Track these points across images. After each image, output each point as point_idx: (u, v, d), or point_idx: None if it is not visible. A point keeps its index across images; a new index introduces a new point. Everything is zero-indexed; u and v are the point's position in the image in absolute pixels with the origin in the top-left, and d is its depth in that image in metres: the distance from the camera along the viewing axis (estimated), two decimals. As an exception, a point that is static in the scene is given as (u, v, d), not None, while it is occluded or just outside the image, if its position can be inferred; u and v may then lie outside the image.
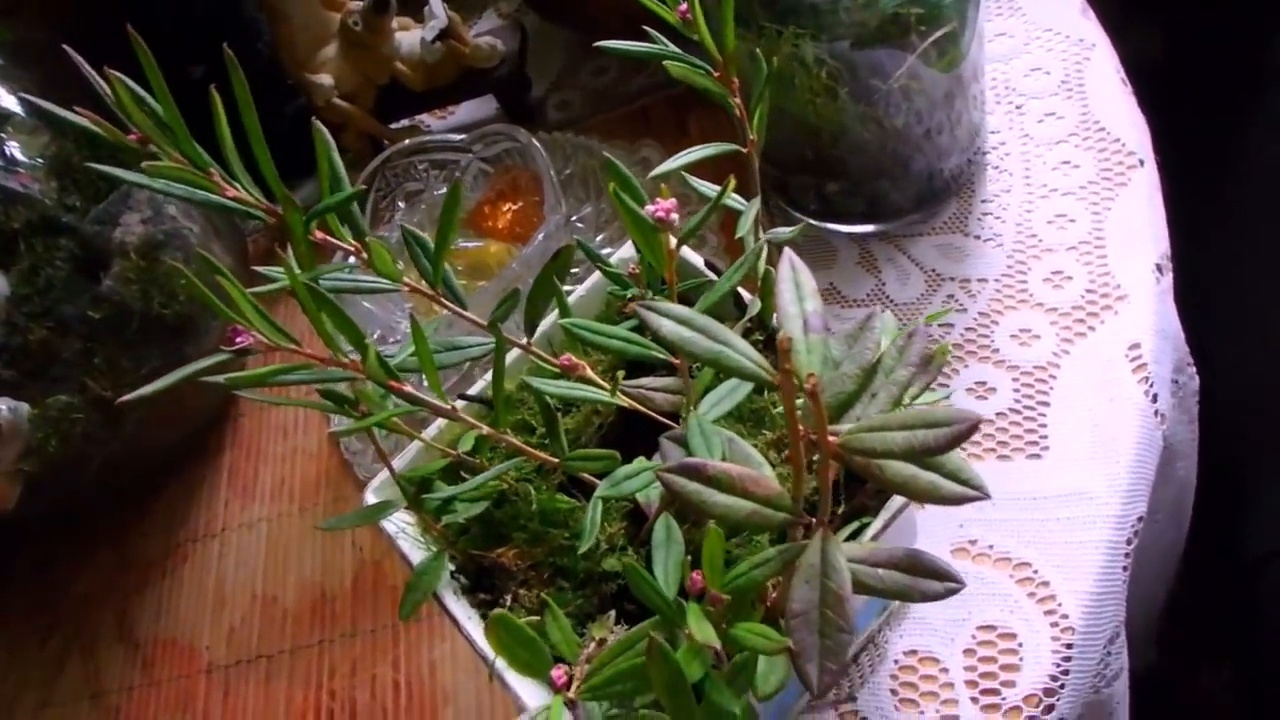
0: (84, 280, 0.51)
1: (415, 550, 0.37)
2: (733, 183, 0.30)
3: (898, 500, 0.32)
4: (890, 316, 0.30)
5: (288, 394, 0.59)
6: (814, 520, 0.27)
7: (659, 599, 0.27)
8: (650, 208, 0.26)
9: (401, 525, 0.38)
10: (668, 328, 0.25)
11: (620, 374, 0.32)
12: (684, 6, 0.30)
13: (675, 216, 0.26)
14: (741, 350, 0.24)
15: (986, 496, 0.23)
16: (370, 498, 0.38)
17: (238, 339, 0.25)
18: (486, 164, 0.58)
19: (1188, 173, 0.55)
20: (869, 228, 0.53)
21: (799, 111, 0.47)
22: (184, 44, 0.61)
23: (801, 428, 0.25)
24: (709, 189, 0.32)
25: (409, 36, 0.63)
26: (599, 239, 0.59)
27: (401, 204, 0.58)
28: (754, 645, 0.25)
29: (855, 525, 0.32)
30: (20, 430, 0.48)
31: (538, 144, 0.54)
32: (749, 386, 0.33)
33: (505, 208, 0.55)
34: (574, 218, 0.61)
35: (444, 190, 0.58)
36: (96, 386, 0.50)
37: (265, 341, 0.26)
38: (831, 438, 0.23)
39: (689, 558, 0.29)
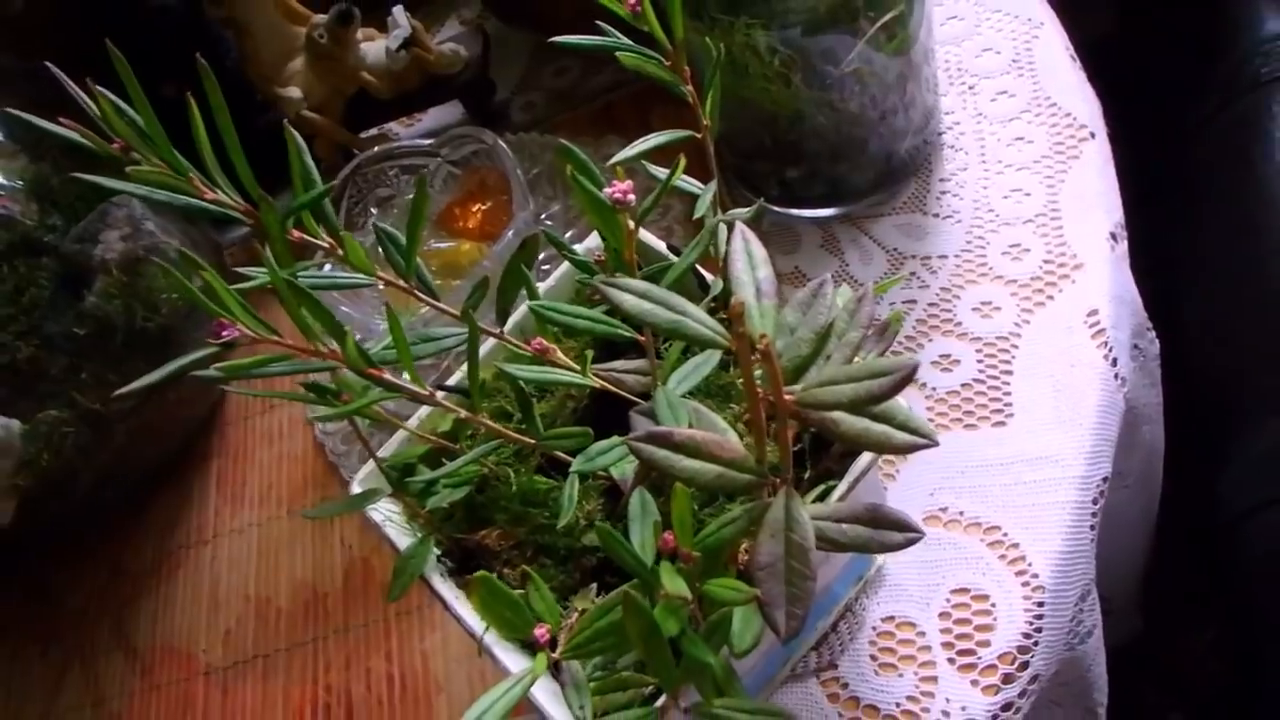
0: (68, 298, 0.52)
1: (401, 536, 0.38)
2: (683, 161, 0.32)
3: (861, 464, 0.33)
4: (845, 287, 0.32)
5: (274, 389, 0.60)
6: (778, 480, 0.29)
7: (633, 559, 0.28)
8: (608, 190, 0.28)
9: (388, 513, 0.39)
10: (629, 301, 0.26)
11: (589, 354, 0.34)
12: (632, 0, 0.31)
13: (632, 198, 0.27)
14: (698, 318, 0.26)
15: (934, 443, 0.24)
16: (356, 488, 0.39)
17: (223, 332, 0.26)
18: (455, 166, 0.59)
19: (1141, 144, 0.56)
20: (830, 211, 0.54)
21: (755, 99, 0.48)
22: (153, 63, 0.62)
23: (760, 391, 0.26)
24: (661, 172, 0.33)
25: (374, 46, 0.64)
26: (568, 235, 0.61)
27: (374, 209, 0.59)
28: (725, 598, 0.26)
29: (821, 489, 0.34)
30: (13, 446, 0.49)
31: (503, 145, 0.55)
32: (714, 362, 0.34)
33: (475, 208, 0.56)
34: (543, 215, 0.62)
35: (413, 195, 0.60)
36: (85, 401, 0.51)
37: (249, 334, 0.27)
38: (788, 397, 0.25)
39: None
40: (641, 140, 0.33)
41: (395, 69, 0.63)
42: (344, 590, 0.56)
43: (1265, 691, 0.61)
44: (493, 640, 0.36)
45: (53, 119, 0.58)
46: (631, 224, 0.28)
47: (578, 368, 0.34)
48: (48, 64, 0.27)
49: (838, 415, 0.25)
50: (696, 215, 0.33)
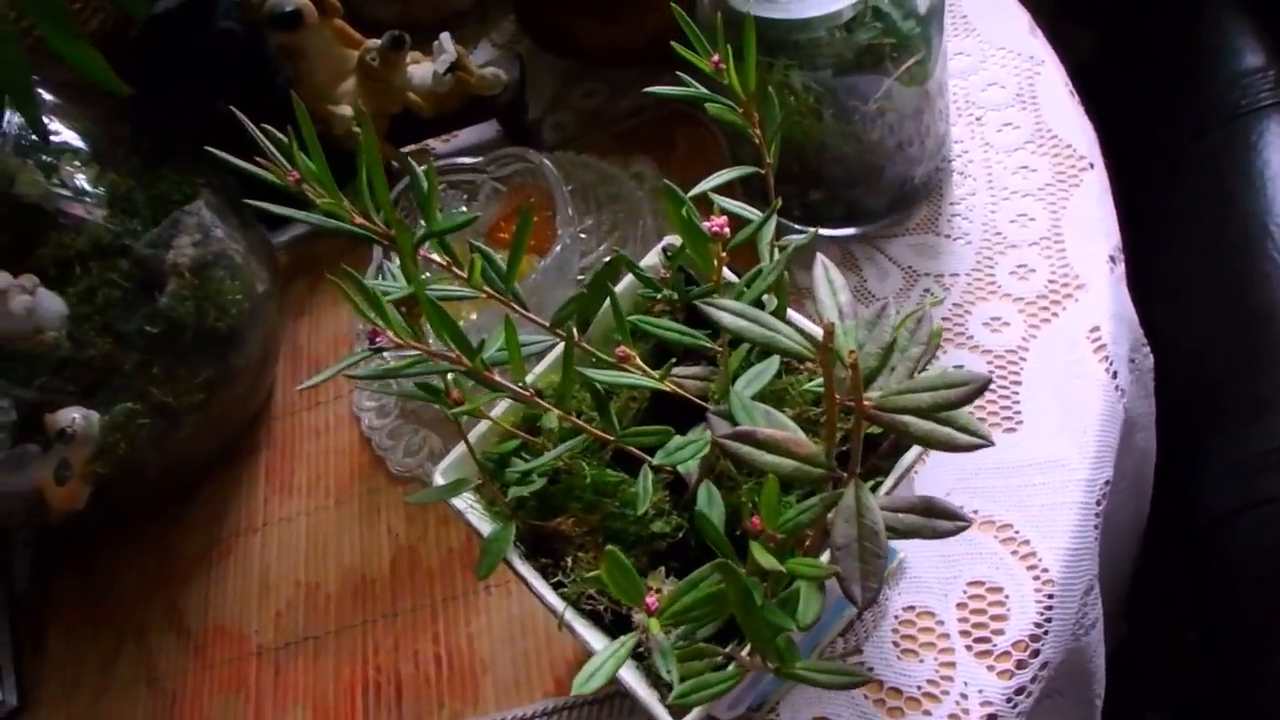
0: (142, 298, 0.55)
1: (483, 523, 0.42)
2: (779, 203, 0.36)
3: (905, 462, 0.38)
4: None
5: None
6: (843, 474, 0.33)
7: (722, 540, 0.32)
8: (706, 223, 0.32)
9: (469, 502, 0.43)
10: (728, 319, 0.31)
11: (673, 361, 0.38)
12: (716, 57, 0.36)
13: (728, 231, 0.32)
14: (789, 335, 0.30)
15: (992, 443, 0.29)
16: (440, 478, 0.43)
17: (377, 338, 0.30)
18: (500, 183, 0.63)
19: (1124, 169, 0.61)
20: (849, 230, 0.59)
21: (787, 131, 0.53)
22: (214, 80, 0.65)
23: (837, 396, 0.31)
24: (738, 207, 0.38)
25: (420, 69, 0.68)
26: (601, 248, 0.65)
27: (424, 222, 0.63)
28: (808, 573, 0.31)
29: (870, 484, 0.38)
30: (91, 435, 0.52)
31: (549, 164, 0.59)
32: (774, 369, 0.39)
33: (522, 222, 0.60)
34: (578, 229, 0.66)
35: (462, 208, 0.64)
36: (157, 394, 0.54)
37: (396, 340, 0.31)
38: (866, 402, 0.29)
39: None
40: (714, 176, 0.38)
41: (439, 90, 0.66)
42: (391, 576, 0.59)
43: (1243, 691, 0.65)
44: (572, 616, 0.40)
45: (130, 131, 0.61)
46: (723, 254, 0.33)
47: (653, 372, 0.38)
48: (232, 108, 0.30)
49: (907, 418, 0.30)
50: (765, 240, 0.37)
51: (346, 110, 0.64)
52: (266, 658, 0.59)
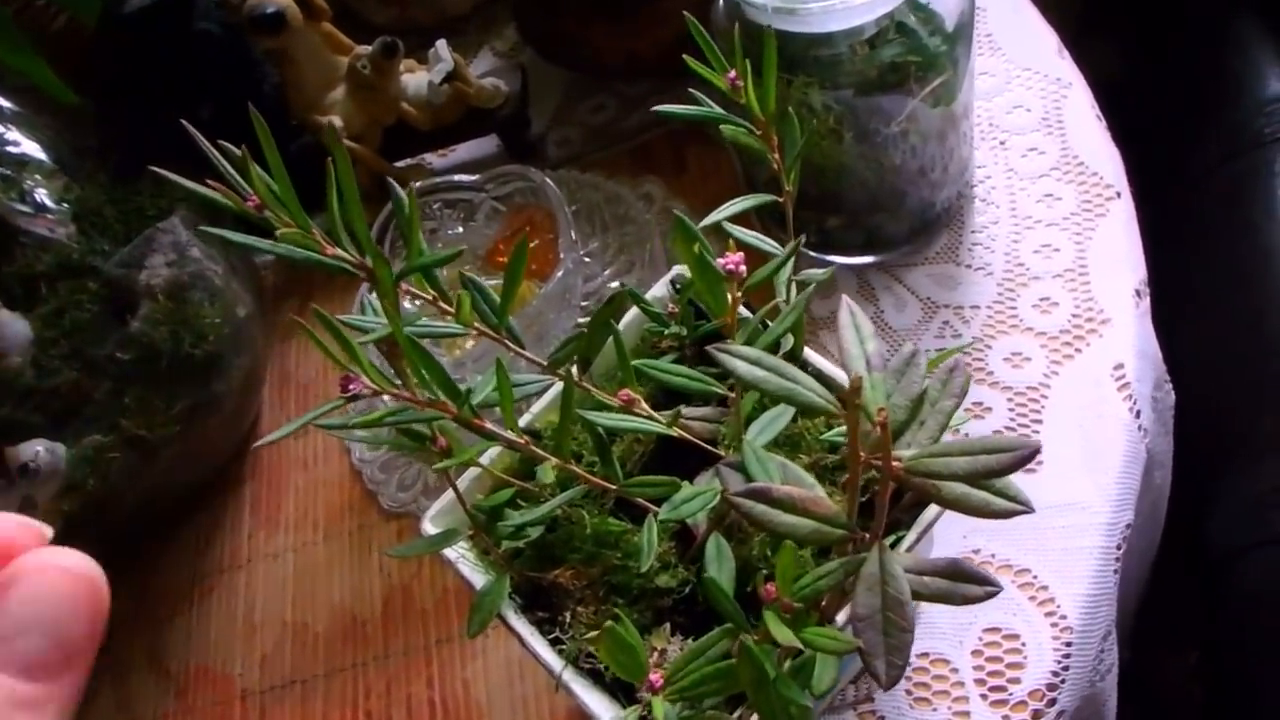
0: (112, 322, 0.52)
1: (475, 574, 0.39)
2: (801, 240, 0.33)
3: (929, 515, 0.35)
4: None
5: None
6: (864, 534, 0.31)
7: (732, 608, 0.30)
8: (721, 260, 0.29)
9: (460, 551, 0.40)
10: (742, 368, 0.28)
11: (681, 408, 0.35)
12: (733, 74, 0.33)
13: (744, 269, 0.29)
14: (810, 387, 0.28)
15: (1032, 510, 0.26)
16: (429, 527, 0.40)
17: (350, 386, 0.28)
18: (499, 203, 0.60)
19: (1143, 192, 0.59)
20: (867, 259, 0.56)
21: (805, 153, 0.50)
22: (195, 86, 0.63)
23: (862, 453, 0.28)
24: (755, 238, 0.35)
25: (415, 79, 0.65)
26: (606, 272, 0.62)
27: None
28: (827, 646, 0.28)
29: (891, 539, 0.36)
30: (57, 470, 0.49)
31: (551, 183, 0.57)
32: (790, 415, 0.36)
33: (524, 245, 0.57)
34: (582, 253, 0.63)
35: (459, 229, 0.61)
36: (130, 426, 0.51)
37: (372, 387, 0.28)
38: (894, 463, 0.27)
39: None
40: (728, 205, 0.35)
41: (436, 102, 0.64)
42: (383, 617, 0.57)
43: (1242, 714, 0.64)
44: (570, 676, 0.37)
45: (97, 142, 0.58)
46: (738, 293, 0.30)
47: (659, 418, 0.35)
48: (184, 123, 0.28)
49: (940, 483, 0.27)
50: (783, 278, 0.34)
51: (336, 121, 0.62)
52: (252, 701, 0.56)
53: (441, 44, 0.64)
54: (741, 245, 0.36)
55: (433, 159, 0.72)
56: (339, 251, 0.30)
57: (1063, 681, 0.44)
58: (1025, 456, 0.24)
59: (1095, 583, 0.46)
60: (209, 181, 0.28)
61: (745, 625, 0.30)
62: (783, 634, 0.27)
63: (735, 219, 0.37)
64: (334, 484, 0.62)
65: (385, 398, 0.30)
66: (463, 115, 0.66)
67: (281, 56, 0.64)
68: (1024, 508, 0.26)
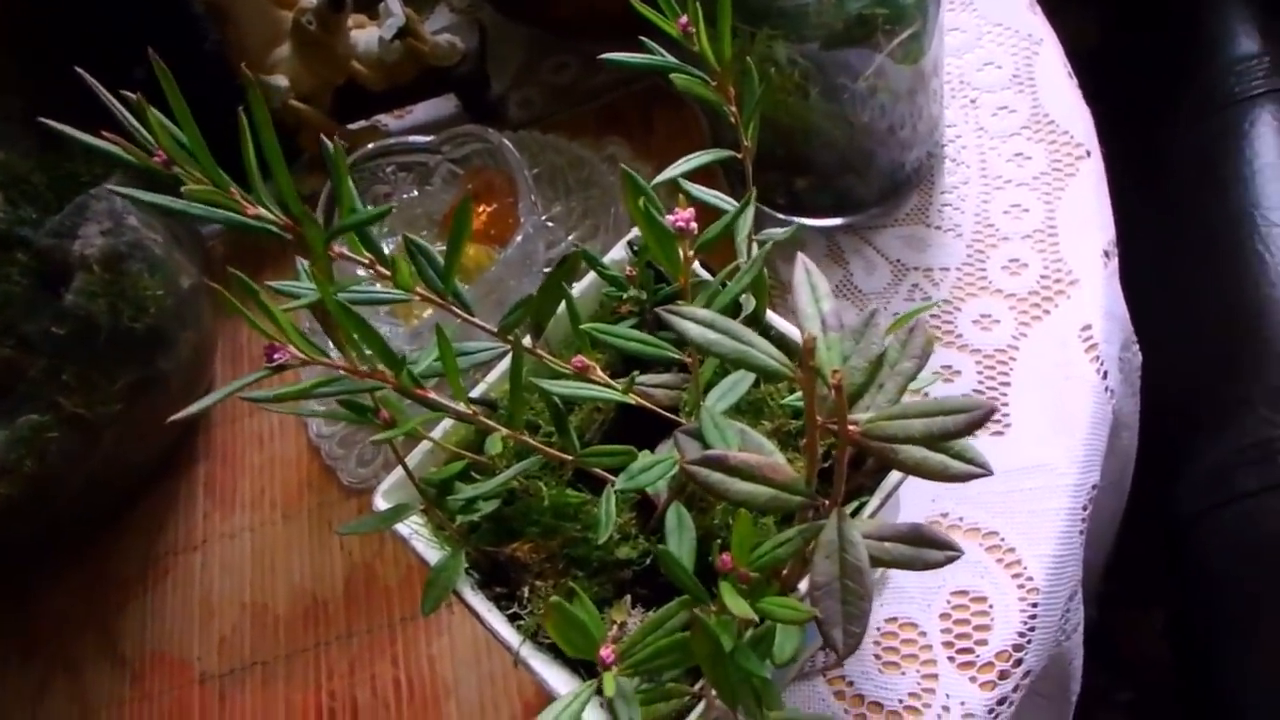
0: (45, 295, 0.49)
1: (430, 550, 0.38)
2: (753, 194, 0.32)
3: (891, 481, 0.34)
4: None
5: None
6: (824, 501, 0.29)
7: (689, 580, 0.28)
8: (671, 217, 0.28)
9: (414, 527, 0.39)
10: (694, 331, 0.27)
11: (635, 374, 0.34)
12: (684, 20, 0.31)
13: (694, 226, 0.28)
14: (764, 350, 0.26)
15: (990, 472, 0.25)
16: (380, 502, 0.39)
17: (275, 355, 0.26)
18: (456, 165, 0.58)
19: (1121, 157, 0.58)
20: (835, 221, 0.55)
21: (771, 111, 0.49)
22: (126, 45, 0.59)
23: (819, 418, 0.27)
24: (713, 196, 0.34)
25: (365, 35, 0.62)
26: (570, 237, 0.61)
27: (369, 207, 0.58)
28: (784, 616, 0.27)
29: (855, 504, 0.35)
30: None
31: (509, 145, 0.55)
32: (750, 380, 0.35)
33: (480, 209, 0.55)
34: (544, 217, 0.62)
35: (414, 193, 0.59)
36: (69, 404, 0.49)
37: (300, 356, 0.27)
38: (851, 426, 0.25)
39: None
40: (683, 160, 0.34)
41: (388, 60, 0.61)
42: (345, 596, 0.55)
43: (1208, 676, 0.64)
44: (529, 651, 0.36)
45: (22, 103, 0.55)
46: (691, 251, 0.29)
47: (616, 385, 0.34)
48: (80, 70, 0.26)
49: (898, 446, 0.26)
50: (742, 234, 0.33)
51: (281, 81, 0.59)
52: (210, 686, 0.55)
53: (392, -2, 0.61)
54: (698, 203, 0.34)
55: (388, 121, 0.70)
56: (261, 211, 0.28)
57: (1029, 642, 0.44)
58: (981, 417, 0.23)
59: (1061, 544, 0.46)
60: (104, 133, 0.26)
61: (704, 596, 0.29)
62: (737, 605, 0.26)
63: (698, 177, 0.35)
64: (291, 461, 0.60)
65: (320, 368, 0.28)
66: (418, 74, 0.64)
67: (222, 13, 0.61)
68: (982, 470, 0.25)
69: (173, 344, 0.53)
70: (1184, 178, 0.72)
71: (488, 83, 0.67)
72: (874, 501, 0.34)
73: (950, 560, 0.29)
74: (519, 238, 0.52)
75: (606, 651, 0.26)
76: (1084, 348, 0.49)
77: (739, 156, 0.35)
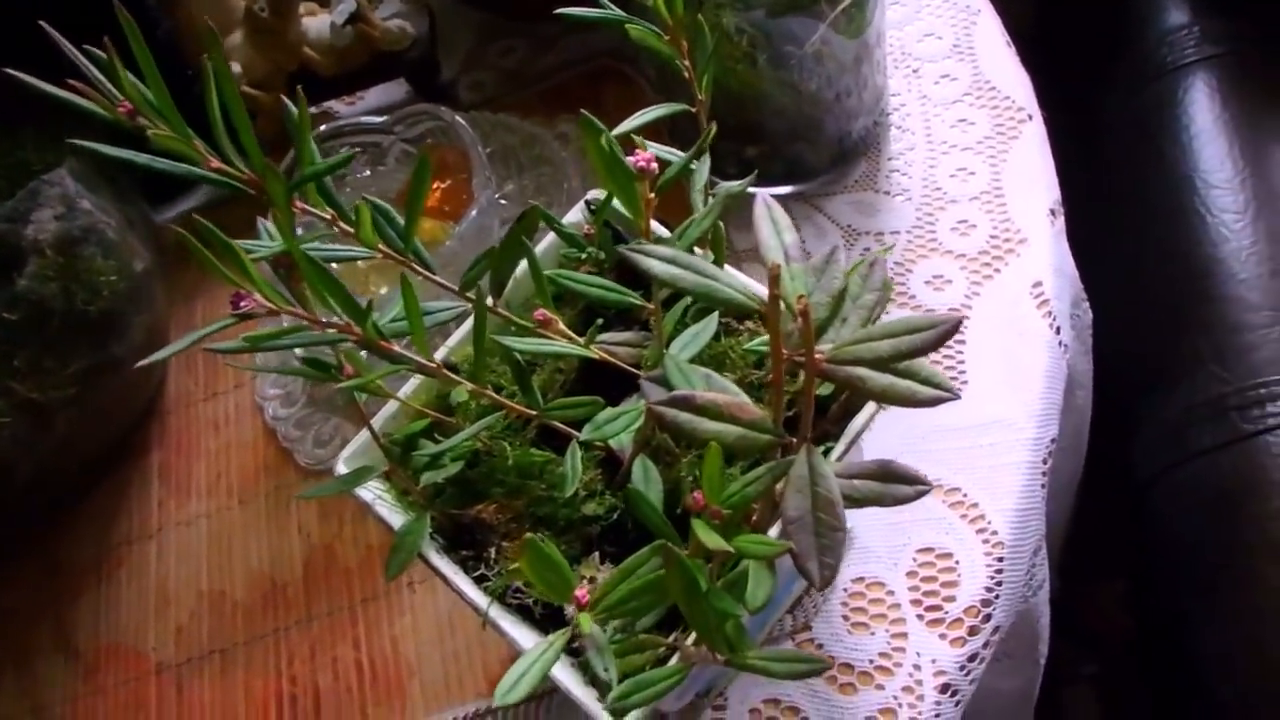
0: (-3, 280, 0.48)
1: (393, 515, 0.38)
2: (713, 129, 0.32)
3: (857, 424, 0.35)
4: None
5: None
6: (793, 440, 0.30)
7: (659, 520, 0.29)
8: (631, 159, 0.28)
9: (376, 492, 0.38)
10: (658, 267, 0.27)
11: (598, 322, 0.34)
12: (638, -26, 0.32)
13: (655, 165, 0.28)
14: (728, 282, 0.27)
15: (956, 396, 0.26)
16: (342, 468, 0.38)
17: (241, 303, 0.26)
18: (409, 145, 0.58)
19: (1062, 128, 0.60)
20: (787, 189, 0.56)
21: (721, 79, 0.49)
22: (77, 33, 0.58)
23: (785, 351, 0.27)
24: (668, 152, 0.34)
25: (316, 22, 0.62)
26: (526, 213, 0.60)
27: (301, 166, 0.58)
28: (758, 552, 0.27)
29: (820, 449, 0.35)
30: (-59, 438, 0.46)
31: (462, 122, 0.55)
32: (713, 329, 0.35)
33: (434, 186, 0.55)
34: (497, 194, 0.61)
35: (367, 173, 0.59)
36: (22, 389, 0.48)
37: (266, 305, 0.26)
38: (818, 355, 0.26)
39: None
40: (640, 113, 0.34)
41: (339, 45, 0.61)
42: (304, 579, 0.55)
43: (1173, 642, 0.65)
44: (498, 612, 0.36)
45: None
46: (651, 194, 0.29)
47: (578, 339, 0.34)
48: (43, 24, 0.25)
49: (864, 372, 0.26)
50: (698, 186, 0.33)
51: (235, 67, 0.59)
52: (168, 676, 0.54)
53: (343, -17, 0.61)
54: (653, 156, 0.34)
55: (339, 106, 0.69)
56: (224, 166, 0.28)
57: (996, 597, 0.44)
58: (948, 330, 0.23)
59: (1023, 498, 0.46)
60: (70, 82, 0.25)
61: (675, 538, 0.29)
62: (712, 539, 0.26)
63: (649, 136, 0.35)
64: (247, 445, 0.59)
65: (283, 318, 0.28)
66: (369, 60, 0.63)
67: (174, 1, 0.60)
68: (949, 394, 0.26)
69: (126, 328, 0.52)
70: (1124, 145, 0.74)
71: (438, 66, 0.66)
72: (840, 446, 0.35)
73: (921, 494, 0.30)
74: (473, 212, 0.52)
75: (581, 593, 0.26)
76: (1035, 304, 0.50)
77: (693, 110, 0.35)
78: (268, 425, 0.59)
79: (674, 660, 0.33)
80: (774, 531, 0.33)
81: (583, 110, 0.28)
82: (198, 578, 0.56)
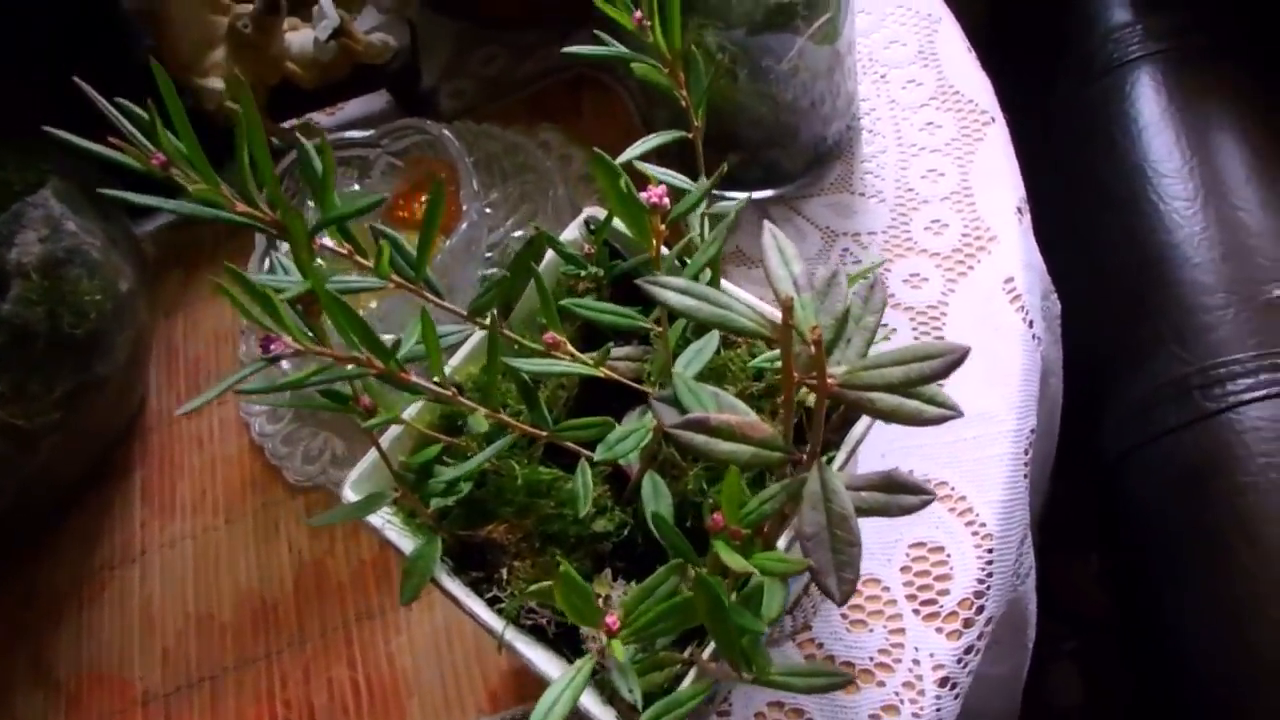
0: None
1: (403, 538, 0.38)
2: (725, 168, 0.33)
3: (857, 433, 0.36)
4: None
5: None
6: (802, 456, 0.31)
7: (680, 541, 0.30)
8: (645, 194, 0.29)
9: (385, 516, 0.38)
10: (673, 299, 0.28)
11: (609, 345, 0.35)
12: (639, 14, 0.32)
13: (667, 201, 0.29)
14: (742, 312, 0.27)
15: (960, 414, 0.27)
16: (350, 494, 0.39)
17: (272, 346, 0.26)
18: (395, 158, 0.58)
19: (1016, 125, 0.61)
20: (766, 193, 0.57)
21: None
22: (56, 55, 0.57)
23: (795, 374, 0.28)
24: (671, 176, 0.35)
25: (299, 36, 0.62)
26: (509, 222, 0.61)
27: (310, 202, 0.57)
28: (779, 569, 0.28)
29: (823, 459, 0.36)
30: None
31: (450, 135, 0.55)
32: (714, 346, 0.36)
33: (421, 199, 0.55)
34: (482, 204, 0.62)
35: (354, 187, 0.58)
36: (6, 414, 0.47)
37: (294, 346, 0.27)
38: (830, 380, 0.27)
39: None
40: (642, 141, 0.35)
41: (323, 59, 0.60)
42: (296, 598, 0.54)
43: (1147, 618, 0.67)
44: (513, 635, 0.36)
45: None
46: (662, 226, 0.30)
47: (587, 359, 0.35)
48: (76, 80, 0.25)
49: (874, 395, 0.27)
50: (700, 212, 0.34)
51: (217, 83, 0.58)
52: (155, 706, 0.53)
53: (325, 0, 0.60)
54: (654, 180, 0.35)
55: (320, 118, 0.68)
56: (248, 208, 0.28)
57: (988, 588, 0.46)
58: (957, 360, 0.25)
59: (1008, 489, 0.48)
60: (110, 139, 0.26)
61: (695, 558, 0.30)
62: (735, 561, 0.27)
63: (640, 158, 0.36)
64: (233, 462, 0.58)
65: (303, 360, 0.28)
66: (351, 72, 0.63)
67: (155, 19, 0.59)
68: (954, 412, 0.27)
69: (111, 348, 0.52)
70: (1077, 140, 0.76)
71: (419, 77, 0.66)
72: (840, 455, 0.36)
73: (925, 504, 0.31)
74: (464, 225, 0.52)
75: (612, 619, 0.27)
76: (1008, 299, 0.52)
77: (690, 136, 0.36)
78: (254, 441, 0.58)
79: (690, 676, 0.34)
80: (782, 543, 0.35)
81: (595, 149, 0.28)
82: (184, 600, 0.56)
